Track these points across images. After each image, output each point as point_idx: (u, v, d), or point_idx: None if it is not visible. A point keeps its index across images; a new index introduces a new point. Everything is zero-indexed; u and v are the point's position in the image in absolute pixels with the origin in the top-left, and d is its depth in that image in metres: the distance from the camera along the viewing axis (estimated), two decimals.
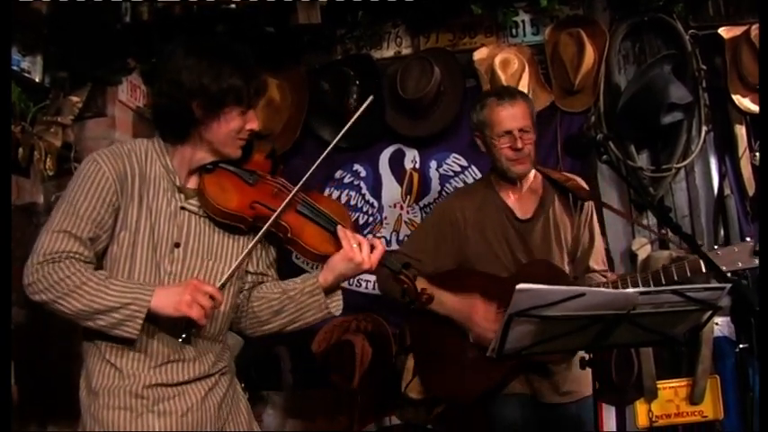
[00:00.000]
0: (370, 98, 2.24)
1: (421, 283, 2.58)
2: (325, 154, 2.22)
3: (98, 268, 2.08)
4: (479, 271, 2.96)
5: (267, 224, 2.14)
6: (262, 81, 2.18)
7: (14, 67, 3.53)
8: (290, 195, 2.16)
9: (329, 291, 2.20)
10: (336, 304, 2.23)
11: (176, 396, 2.11)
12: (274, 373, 4.03)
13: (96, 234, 2.06)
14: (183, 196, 2.16)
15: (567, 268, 2.98)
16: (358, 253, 2.12)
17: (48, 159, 3.60)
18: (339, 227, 2.17)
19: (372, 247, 2.15)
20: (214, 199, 2.13)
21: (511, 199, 3.00)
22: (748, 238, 2.71)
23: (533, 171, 3.02)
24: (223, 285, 2.13)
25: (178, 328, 2.08)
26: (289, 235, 2.16)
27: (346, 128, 2.23)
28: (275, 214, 2.13)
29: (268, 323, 2.27)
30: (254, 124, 2.17)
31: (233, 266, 2.15)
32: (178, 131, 2.15)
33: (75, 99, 3.78)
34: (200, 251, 2.15)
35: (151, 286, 2.03)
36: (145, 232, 2.09)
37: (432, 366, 3.05)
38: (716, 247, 3.01)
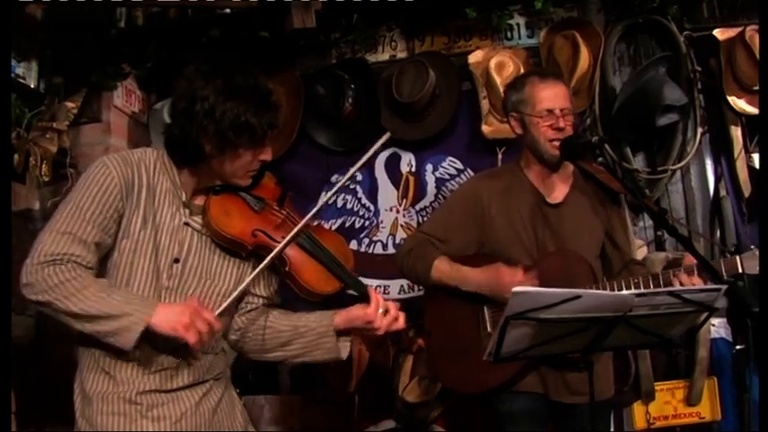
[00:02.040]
0: (387, 135, 2.25)
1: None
2: (334, 191, 2.23)
3: (99, 275, 2.05)
4: (500, 258, 2.84)
5: (268, 258, 2.11)
6: (277, 114, 2.11)
7: None
8: (295, 230, 2.14)
9: (340, 334, 2.20)
10: (345, 347, 2.22)
11: (170, 402, 2.10)
12: (272, 377, 4.02)
13: (102, 238, 2.03)
14: (188, 211, 2.14)
15: (595, 262, 2.88)
16: (380, 319, 2.12)
17: (43, 165, 3.60)
18: (371, 290, 2.15)
19: (395, 319, 2.14)
20: (217, 222, 2.10)
21: (541, 183, 2.92)
22: (752, 246, 2.64)
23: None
24: (220, 314, 2.11)
25: (172, 344, 2.05)
26: (287, 269, 2.14)
27: (362, 161, 2.23)
28: (278, 248, 2.11)
29: (273, 351, 2.27)
30: (267, 155, 2.13)
31: (230, 299, 2.13)
32: (187, 160, 2.13)
33: (70, 104, 3.77)
34: (198, 269, 2.14)
35: (153, 302, 2.01)
36: (147, 244, 2.07)
37: (445, 354, 2.93)
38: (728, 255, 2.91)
